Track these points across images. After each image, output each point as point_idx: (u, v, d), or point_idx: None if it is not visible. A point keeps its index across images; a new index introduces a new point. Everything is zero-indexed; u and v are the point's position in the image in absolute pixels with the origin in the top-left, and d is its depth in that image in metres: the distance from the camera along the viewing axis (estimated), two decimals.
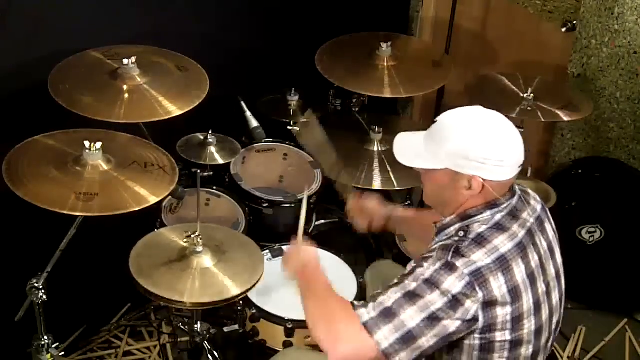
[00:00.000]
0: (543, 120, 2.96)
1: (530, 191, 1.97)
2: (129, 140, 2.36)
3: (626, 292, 3.23)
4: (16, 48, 2.46)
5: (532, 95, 2.96)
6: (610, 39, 3.15)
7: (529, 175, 3.16)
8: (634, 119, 3.21)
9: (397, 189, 3.00)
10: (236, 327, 2.51)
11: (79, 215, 2.10)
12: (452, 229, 1.86)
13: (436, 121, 1.86)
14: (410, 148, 1.90)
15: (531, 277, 1.81)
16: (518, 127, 1.86)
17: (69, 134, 2.29)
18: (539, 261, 1.85)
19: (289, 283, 2.56)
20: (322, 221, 3.05)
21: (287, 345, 2.42)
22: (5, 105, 2.48)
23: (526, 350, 1.84)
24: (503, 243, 1.79)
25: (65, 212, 2.02)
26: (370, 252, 3.05)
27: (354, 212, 2.37)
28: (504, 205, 1.83)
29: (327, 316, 1.83)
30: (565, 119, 2.98)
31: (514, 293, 1.77)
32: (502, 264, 1.77)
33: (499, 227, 1.82)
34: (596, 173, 3.27)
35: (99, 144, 2.17)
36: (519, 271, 1.79)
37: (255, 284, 2.28)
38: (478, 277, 1.73)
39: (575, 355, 3.07)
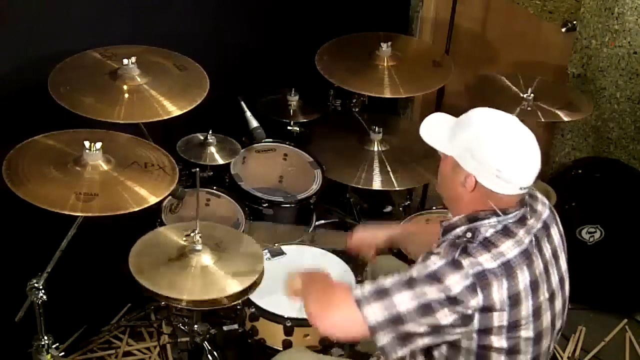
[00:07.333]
0: (543, 120, 2.96)
1: (538, 195, 1.96)
2: (129, 140, 2.36)
3: (626, 292, 3.22)
4: (16, 48, 2.46)
5: (532, 95, 2.96)
6: (610, 39, 3.14)
7: None
8: (634, 119, 3.21)
9: (397, 189, 3.00)
10: (235, 326, 2.51)
11: (79, 215, 2.10)
12: (459, 230, 1.85)
13: (469, 111, 1.87)
14: (436, 126, 1.91)
15: (533, 285, 1.80)
16: None
17: (69, 134, 2.29)
18: (544, 268, 1.85)
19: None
20: (322, 221, 3.05)
21: (286, 343, 2.41)
22: (5, 105, 2.48)
23: (525, 357, 1.83)
24: (509, 249, 1.79)
25: (65, 212, 2.02)
26: None
27: (355, 248, 2.42)
28: (512, 214, 1.83)
29: (322, 290, 1.89)
30: (565, 119, 2.98)
31: (514, 300, 1.77)
32: (507, 270, 1.76)
33: (506, 232, 1.81)
34: (596, 173, 3.27)
35: (99, 144, 2.17)
36: (523, 278, 1.78)
37: (254, 282, 2.28)
38: (482, 280, 1.73)
39: (575, 355, 3.07)
